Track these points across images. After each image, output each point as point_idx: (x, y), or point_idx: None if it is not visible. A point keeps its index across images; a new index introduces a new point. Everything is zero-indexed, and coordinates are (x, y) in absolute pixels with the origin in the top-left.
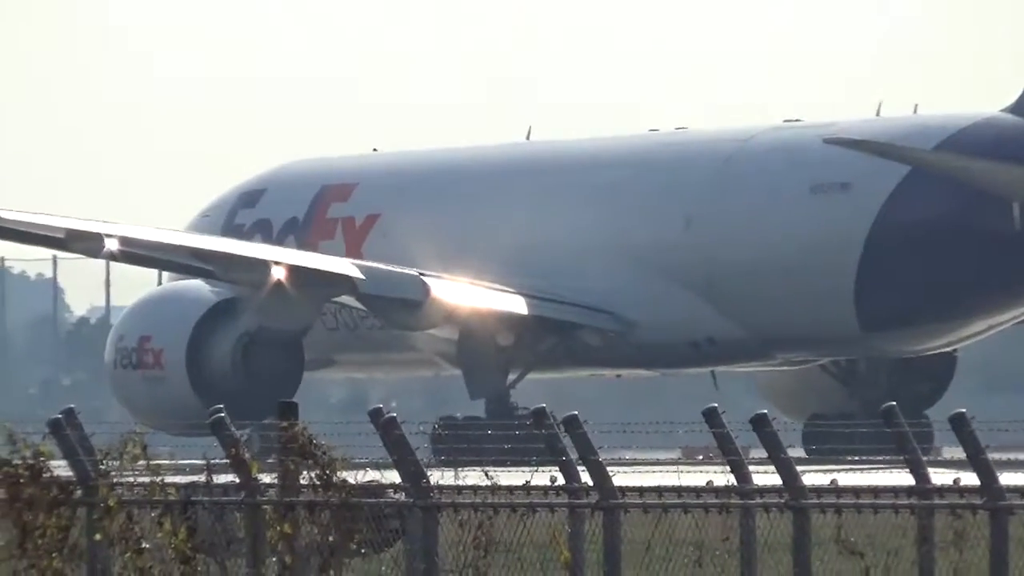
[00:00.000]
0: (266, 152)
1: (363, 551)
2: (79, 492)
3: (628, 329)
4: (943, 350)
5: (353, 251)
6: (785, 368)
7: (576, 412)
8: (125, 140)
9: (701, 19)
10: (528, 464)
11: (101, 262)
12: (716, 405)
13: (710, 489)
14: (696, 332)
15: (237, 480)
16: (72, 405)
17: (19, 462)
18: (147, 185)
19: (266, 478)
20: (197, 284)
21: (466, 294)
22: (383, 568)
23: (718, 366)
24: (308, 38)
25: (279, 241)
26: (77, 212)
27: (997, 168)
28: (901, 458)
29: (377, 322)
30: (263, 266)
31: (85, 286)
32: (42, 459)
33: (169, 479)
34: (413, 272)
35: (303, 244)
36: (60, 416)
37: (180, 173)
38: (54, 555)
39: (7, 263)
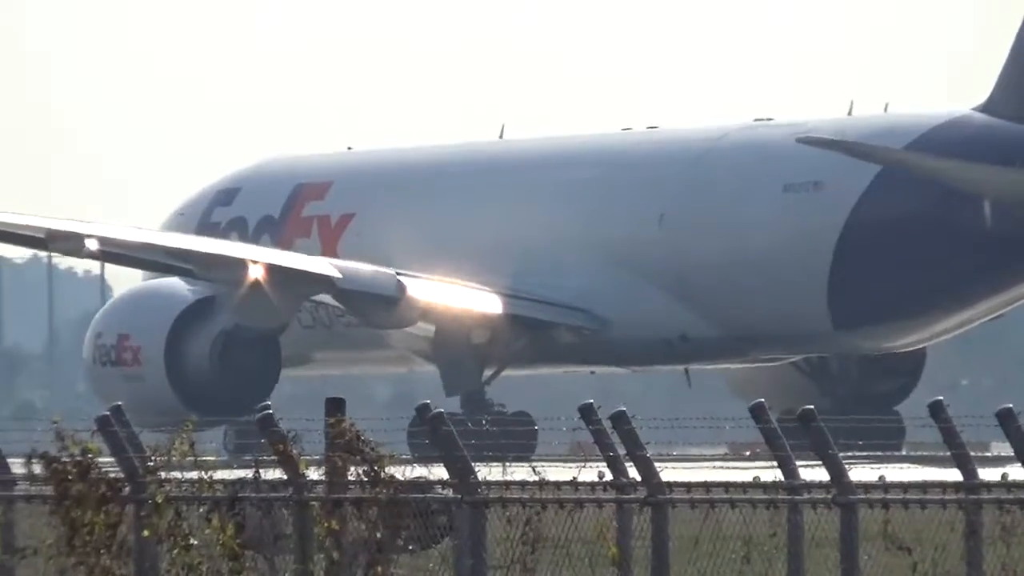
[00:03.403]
0: (241, 150)
1: (411, 547)
2: (127, 489)
3: (602, 327)
4: (915, 347)
5: (328, 249)
6: (757, 365)
7: (624, 408)
8: (102, 139)
9: (672, 18)
10: (506, 460)
11: None
12: (763, 400)
13: (757, 485)
14: (670, 330)
15: (284, 476)
16: (120, 402)
17: (67, 459)
18: (123, 183)
19: (314, 474)
20: (175, 282)
21: (441, 292)
22: (431, 564)
23: (691, 364)
24: (283, 38)
25: (254, 239)
26: (56, 211)
27: (969, 167)
28: (883, 454)
29: (353, 320)
30: (241, 265)
31: (133, 283)
32: (90, 456)
33: (217, 475)
34: (389, 271)
35: (278, 242)
36: (108, 413)
37: (156, 171)
38: (102, 552)
39: (55, 260)
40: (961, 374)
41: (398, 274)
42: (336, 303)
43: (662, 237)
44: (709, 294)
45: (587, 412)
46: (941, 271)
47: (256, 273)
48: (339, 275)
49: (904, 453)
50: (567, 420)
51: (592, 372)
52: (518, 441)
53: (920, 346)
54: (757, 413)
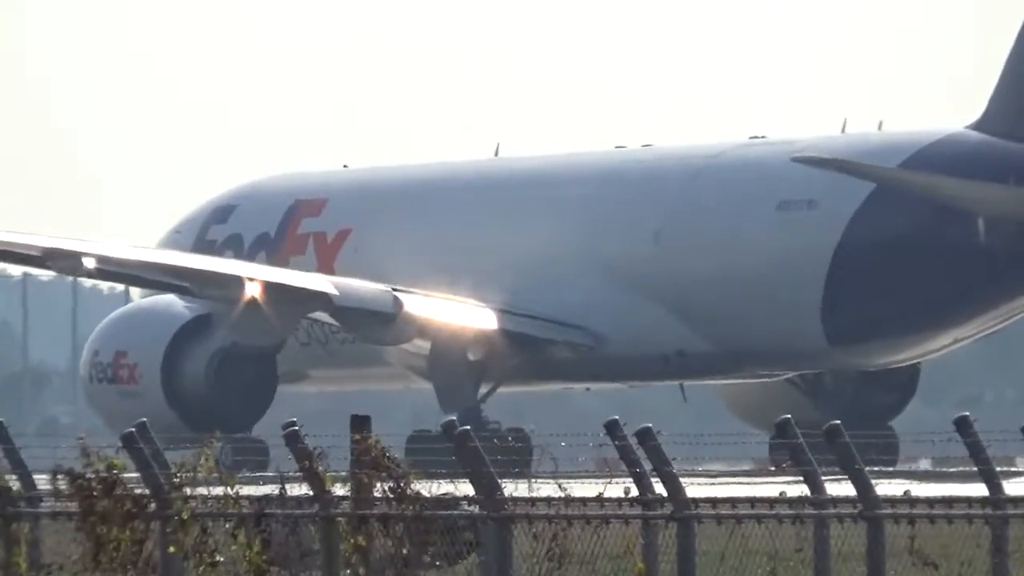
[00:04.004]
0: (238, 168)
1: (437, 563)
2: (153, 505)
3: (598, 343)
4: (909, 363)
5: (324, 266)
6: (752, 381)
7: (650, 424)
8: (99, 157)
9: (666, 37)
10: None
11: None
12: (789, 417)
13: (784, 500)
14: (666, 346)
15: (311, 492)
16: (144, 419)
17: (92, 476)
18: (120, 201)
19: (340, 490)
20: (172, 300)
21: (438, 309)
22: None
23: (687, 380)
24: (279, 57)
25: (250, 256)
26: (53, 230)
27: (962, 184)
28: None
29: (349, 336)
30: (238, 282)
31: None
32: (115, 472)
33: (243, 491)
34: (386, 287)
35: (274, 260)
36: (133, 430)
37: (153, 189)
38: (128, 569)
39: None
40: (985, 387)
41: (394, 291)
42: (333, 320)
43: (658, 254)
44: (705, 310)
45: (613, 428)
46: (935, 288)
47: (253, 290)
48: (336, 292)
49: (926, 468)
50: (593, 436)
51: (587, 389)
52: (513, 457)
53: (914, 362)
54: (784, 428)
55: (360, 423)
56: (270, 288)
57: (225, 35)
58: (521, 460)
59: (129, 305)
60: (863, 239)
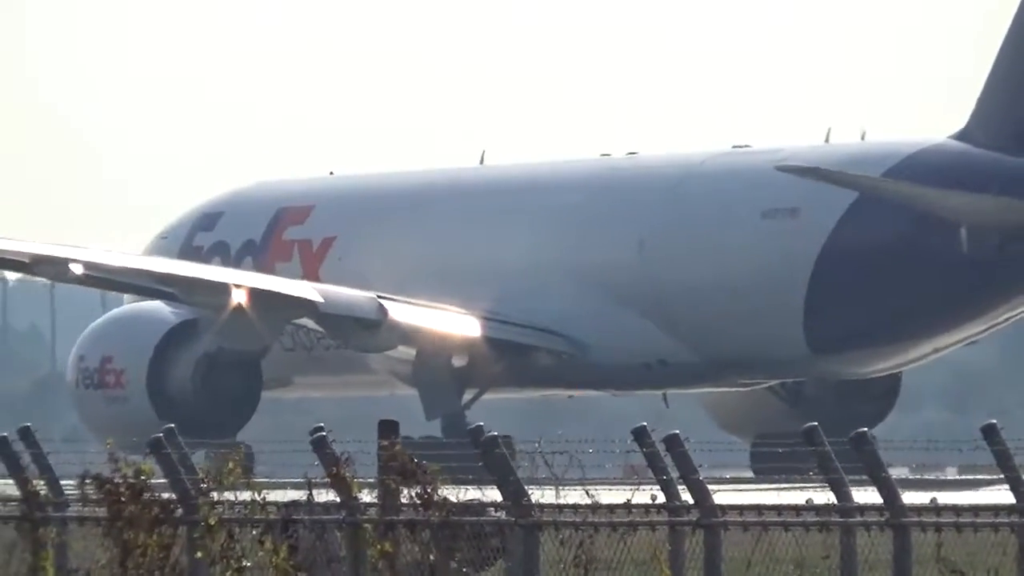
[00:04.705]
0: (224, 175)
1: (464, 570)
2: (180, 510)
3: (581, 351)
4: (891, 372)
5: (309, 273)
6: (734, 390)
7: (677, 431)
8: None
9: (651, 46)
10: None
11: None
12: (816, 424)
13: (810, 507)
14: (648, 354)
15: (337, 498)
16: (172, 425)
17: (120, 481)
18: (106, 207)
19: (367, 497)
20: (158, 306)
21: (422, 316)
22: None
23: (670, 388)
24: (266, 64)
25: (236, 263)
26: (38, 234)
27: (945, 194)
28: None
29: (333, 343)
30: (223, 289)
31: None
32: (143, 478)
33: (270, 497)
34: (371, 295)
35: (260, 266)
36: (160, 435)
37: (139, 195)
38: (155, 573)
39: None
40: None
41: (379, 298)
42: (318, 327)
43: (641, 262)
44: (687, 319)
45: (641, 435)
46: (917, 297)
47: (238, 297)
48: (321, 299)
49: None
50: (621, 443)
51: (570, 396)
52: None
53: (896, 371)
54: (811, 435)
55: (388, 428)
56: (256, 295)
57: (212, 43)
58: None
59: (115, 311)
60: (846, 248)
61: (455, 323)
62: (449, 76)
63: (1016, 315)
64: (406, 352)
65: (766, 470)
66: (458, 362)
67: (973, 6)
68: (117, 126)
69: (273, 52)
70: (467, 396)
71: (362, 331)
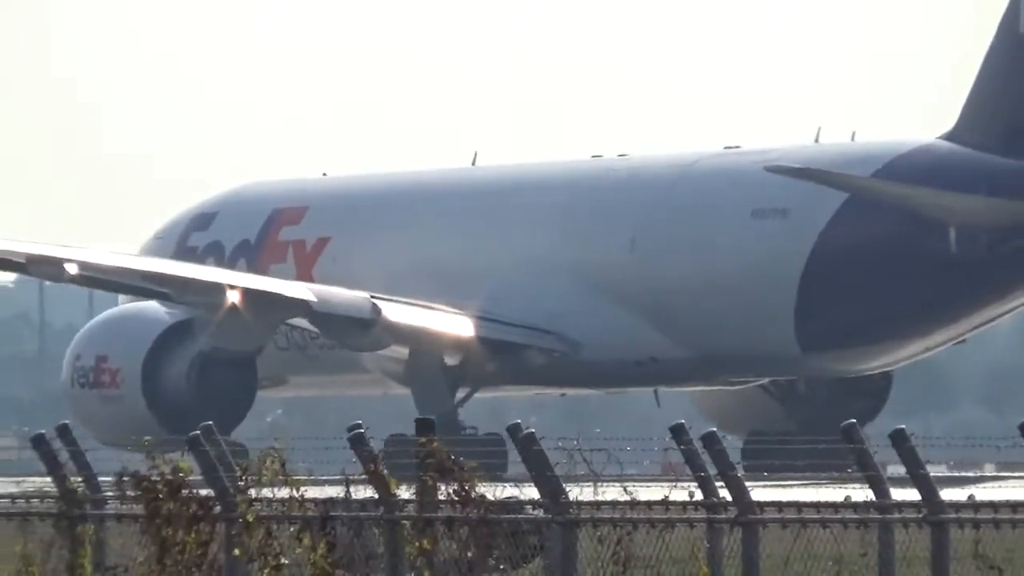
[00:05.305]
0: (219, 175)
1: (502, 567)
2: (218, 508)
3: (573, 349)
4: (881, 370)
5: (304, 274)
6: (724, 387)
7: (714, 429)
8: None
9: (642, 47)
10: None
11: None
12: (854, 421)
13: (849, 504)
14: (640, 352)
15: (375, 495)
16: (210, 422)
17: (158, 478)
18: (102, 207)
19: (404, 493)
20: (153, 305)
21: (415, 315)
22: None
23: (662, 386)
24: (261, 66)
25: (231, 263)
26: (35, 235)
27: (934, 194)
28: (834, 475)
29: (327, 342)
30: (218, 289)
31: None
32: (181, 475)
33: (308, 494)
34: (364, 294)
35: (254, 267)
36: (199, 432)
37: (134, 195)
38: (193, 571)
39: None
40: None
41: (373, 297)
42: (312, 326)
43: (633, 261)
44: (679, 317)
45: (679, 432)
46: (907, 296)
47: (233, 297)
48: (315, 299)
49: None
50: (658, 440)
51: (563, 395)
52: (488, 461)
53: (887, 369)
54: (849, 433)
55: (424, 426)
56: (250, 295)
57: (207, 45)
58: (497, 464)
59: (111, 310)
60: (836, 247)
61: (448, 322)
62: (442, 78)
63: (1005, 314)
64: (399, 351)
65: (757, 467)
66: (451, 361)
67: (961, 7)
68: (112, 126)
69: (268, 54)
70: (460, 395)
71: (356, 330)
